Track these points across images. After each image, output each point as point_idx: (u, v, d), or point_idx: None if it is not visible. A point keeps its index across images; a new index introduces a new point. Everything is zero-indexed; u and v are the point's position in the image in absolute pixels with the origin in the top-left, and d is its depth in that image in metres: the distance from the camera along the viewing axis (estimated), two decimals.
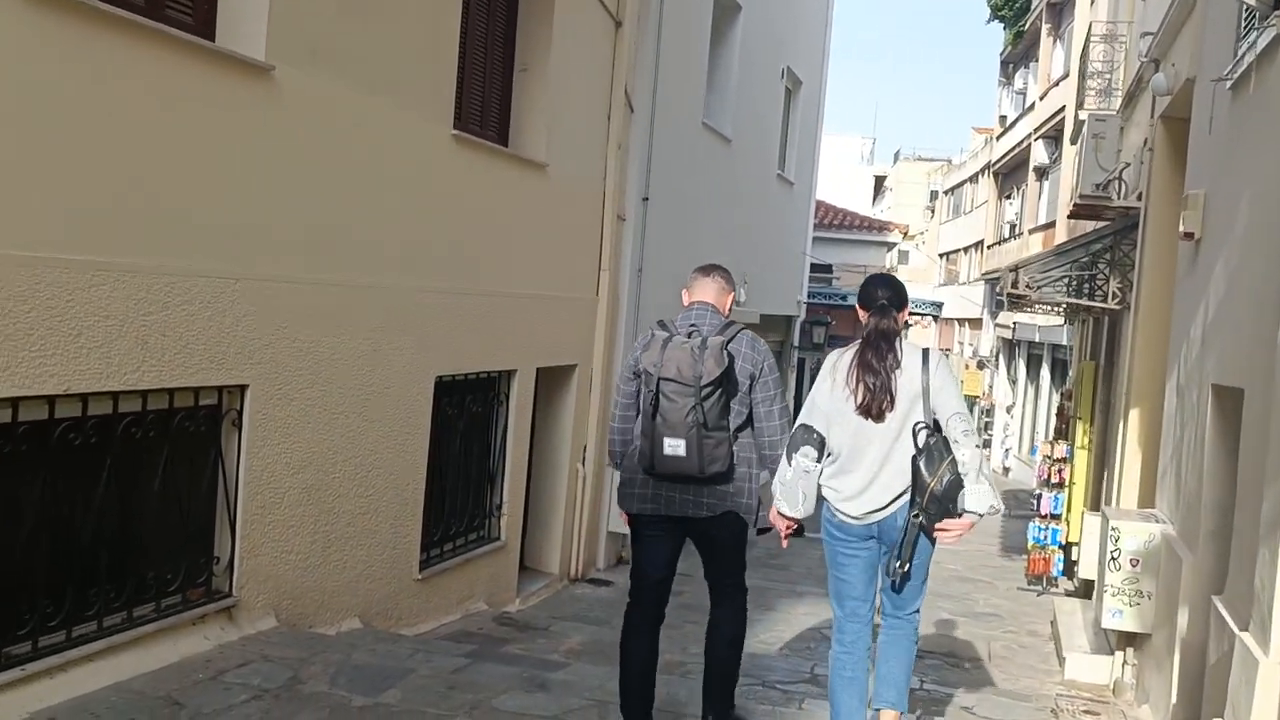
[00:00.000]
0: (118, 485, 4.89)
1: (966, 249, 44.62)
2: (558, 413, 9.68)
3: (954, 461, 4.19)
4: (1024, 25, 32.57)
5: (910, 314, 28.29)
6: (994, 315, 36.05)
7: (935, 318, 32.00)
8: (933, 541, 4.35)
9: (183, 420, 5.23)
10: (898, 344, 4.33)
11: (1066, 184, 26.33)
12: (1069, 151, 26.42)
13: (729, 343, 4.34)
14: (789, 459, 4.33)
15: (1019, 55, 34.92)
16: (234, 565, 5.60)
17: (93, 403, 4.68)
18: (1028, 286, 10.36)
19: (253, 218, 5.53)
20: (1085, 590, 11.28)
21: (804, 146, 18.03)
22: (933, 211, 51.51)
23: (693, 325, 4.39)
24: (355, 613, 6.66)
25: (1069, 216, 11.74)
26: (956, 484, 4.20)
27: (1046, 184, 29.87)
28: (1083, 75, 13.46)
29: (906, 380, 4.28)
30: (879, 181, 47.81)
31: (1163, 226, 8.60)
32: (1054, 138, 29.24)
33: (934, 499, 4.19)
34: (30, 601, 4.50)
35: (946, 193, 51.69)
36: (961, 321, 40.68)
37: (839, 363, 4.41)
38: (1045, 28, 29.95)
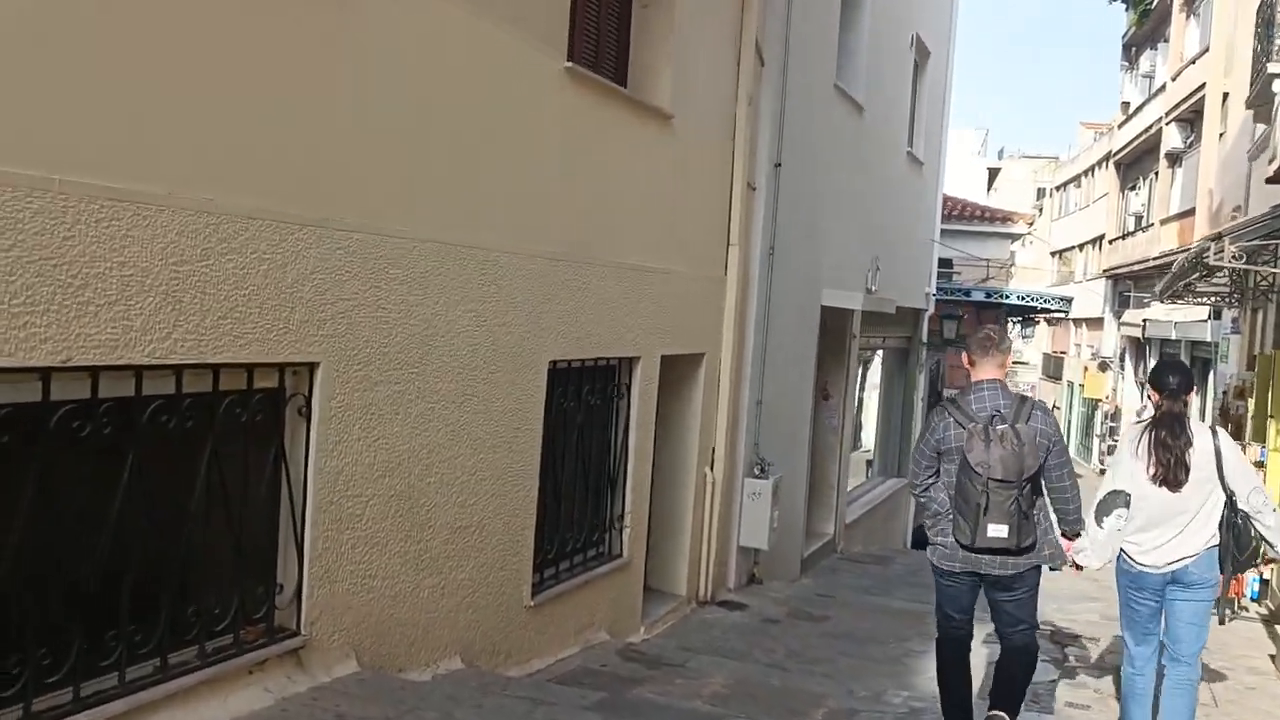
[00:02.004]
0: (143, 492, 3.67)
1: (1082, 245, 42.32)
2: (683, 409, 8.35)
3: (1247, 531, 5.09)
4: (1151, 3, 30.47)
5: (1038, 312, 26.49)
6: (1117, 314, 33.84)
7: (1064, 314, 29.88)
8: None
9: (232, 407, 4.01)
10: (1188, 425, 5.06)
11: (1209, 167, 24.34)
12: (1212, 131, 24.44)
13: (1028, 422, 4.83)
14: (1099, 521, 5.16)
15: (1144, 36, 32.76)
16: (302, 595, 4.36)
17: (105, 380, 3.47)
18: (1234, 258, 8.78)
19: (326, 147, 4.30)
20: None
21: (931, 124, 16.47)
22: (1040, 210, 49.19)
23: (994, 412, 4.85)
24: (455, 650, 5.40)
25: (1269, 181, 10.08)
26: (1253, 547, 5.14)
27: (1180, 170, 27.76)
28: (1269, 24, 11.76)
29: (1199, 454, 5.02)
30: (992, 175, 45.71)
31: None
32: (1189, 120, 27.15)
33: (1237, 563, 5.14)
34: (21, 650, 3.30)
35: (1057, 189, 49.33)
36: (1079, 322, 38.41)
37: (1136, 438, 5.17)
38: (1177, 3, 27.86)
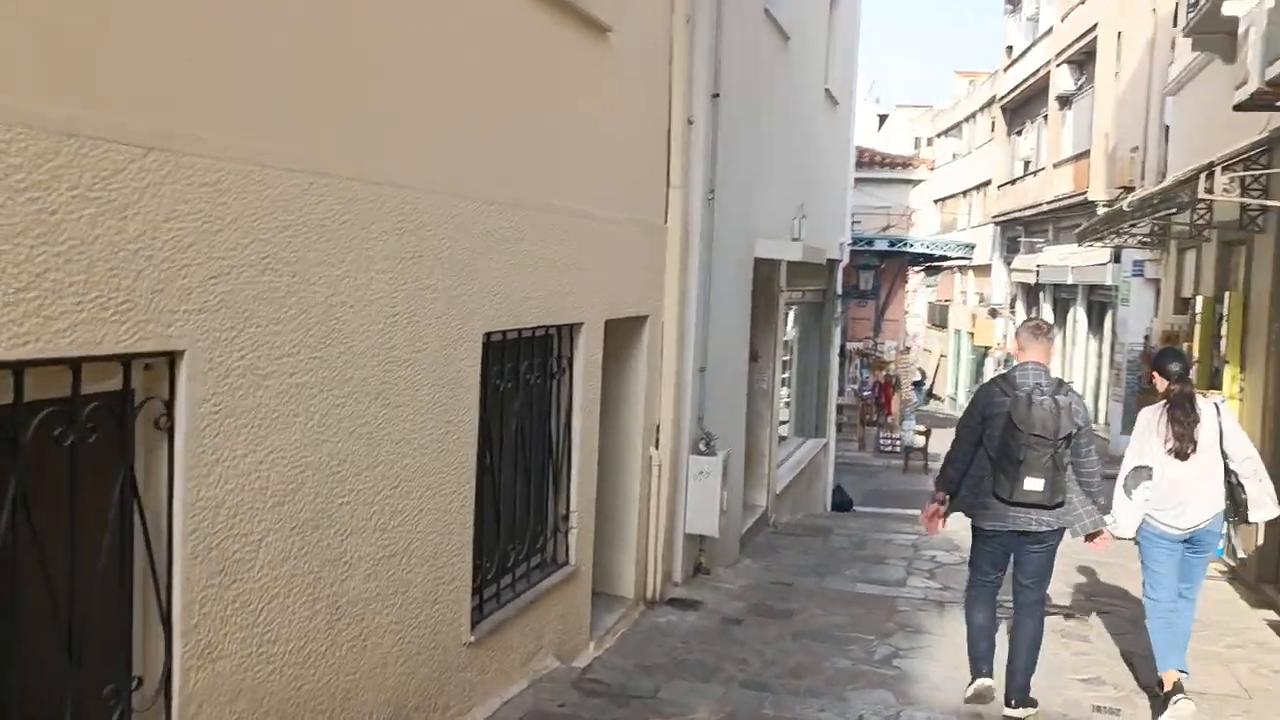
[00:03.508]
0: None
1: (966, 192, 42.21)
2: (624, 381, 7.14)
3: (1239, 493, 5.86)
4: None
5: (938, 259, 25.98)
6: (1007, 260, 33.62)
7: (968, 261, 29.42)
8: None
9: (48, 425, 2.65)
10: (1196, 403, 5.85)
11: (1104, 108, 23.97)
12: (1107, 72, 24.06)
13: (1065, 396, 5.42)
14: (1129, 493, 5.85)
15: None
16: (172, 687, 3.03)
17: None
18: (1225, 189, 7.93)
19: (182, 44, 2.94)
20: (1272, 577, 8.99)
21: (845, 61, 15.42)
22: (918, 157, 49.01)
23: (1037, 384, 5.43)
24: (384, 715, 4.13)
25: (1236, 108, 9.27)
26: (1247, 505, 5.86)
27: (1071, 113, 27.44)
28: None
29: (1204, 428, 5.80)
30: (881, 120, 45.32)
31: None
32: (1079, 62, 26.81)
33: (1241, 516, 5.89)
34: None
35: (938, 136, 49.21)
36: (964, 269, 38.23)
37: (1152, 417, 5.93)
38: None
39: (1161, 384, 5.96)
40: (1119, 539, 5.90)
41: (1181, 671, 5.84)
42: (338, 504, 3.76)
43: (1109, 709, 5.97)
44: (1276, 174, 9.16)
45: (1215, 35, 11.54)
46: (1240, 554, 7.96)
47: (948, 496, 5.71)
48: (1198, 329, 11.97)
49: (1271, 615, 8.25)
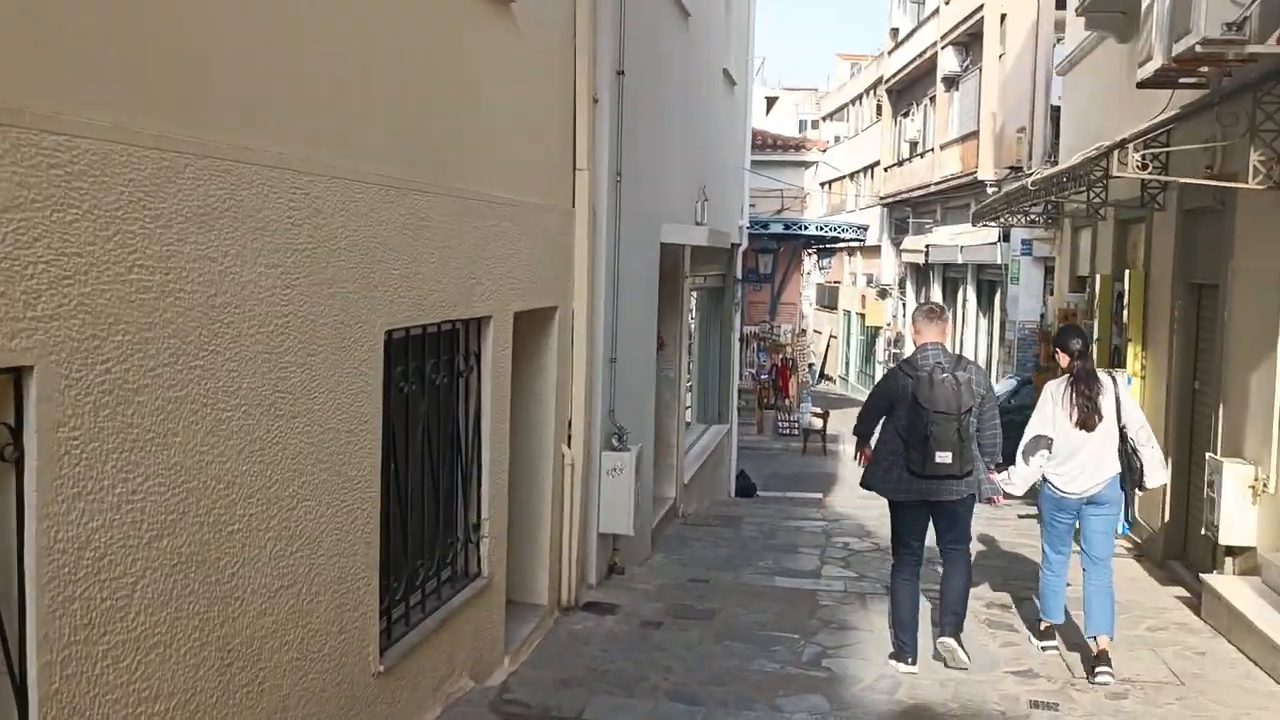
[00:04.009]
0: None
1: (853, 175, 42.57)
2: (535, 377, 6.71)
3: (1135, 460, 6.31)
4: None
5: (829, 241, 26.02)
6: (896, 241, 33.93)
7: (861, 243, 29.56)
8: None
9: None
10: (1099, 377, 6.35)
11: (990, 89, 24.25)
12: (993, 53, 24.33)
13: (965, 371, 5.96)
14: (1026, 460, 6.43)
15: None
16: None
17: None
18: (1140, 166, 7.83)
19: None
20: (1178, 554, 9.00)
21: (741, 41, 15.16)
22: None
23: (937, 363, 5.93)
24: None
25: (1139, 86, 9.23)
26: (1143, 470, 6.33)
27: (958, 94, 27.72)
28: None
29: (1106, 400, 6.25)
30: (770, 103, 45.39)
31: None
32: (965, 44, 27.07)
33: (1137, 482, 6.32)
34: None
35: (824, 119, 49.57)
36: (852, 250, 38.55)
37: (1056, 391, 6.37)
38: None
39: (1064, 360, 6.39)
40: (1010, 497, 6.55)
41: (1083, 635, 6.48)
42: (226, 533, 3.28)
43: (1046, 704, 5.79)
44: (1178, 152, 9.15)
45: (1110, 14, 11.58)
46: (1147, 530, 7.99)
47: (863, 442, 6.41)
48: (1097, 307, 12.00)
49: (1181, 592, 8.23)
